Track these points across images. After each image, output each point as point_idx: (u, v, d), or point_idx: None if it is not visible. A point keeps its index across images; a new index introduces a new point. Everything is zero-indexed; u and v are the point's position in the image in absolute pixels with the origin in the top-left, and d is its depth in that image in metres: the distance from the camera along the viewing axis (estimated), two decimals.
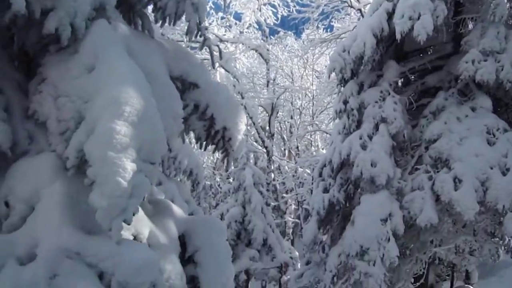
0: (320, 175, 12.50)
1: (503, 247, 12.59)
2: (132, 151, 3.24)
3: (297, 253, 16.72)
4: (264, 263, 15.25)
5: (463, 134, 10.27)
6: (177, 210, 4.87)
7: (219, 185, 24.64)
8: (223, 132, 4.76)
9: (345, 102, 11.70)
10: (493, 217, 10.19)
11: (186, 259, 4.63)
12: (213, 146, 4.97)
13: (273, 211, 19.72)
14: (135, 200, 3.29)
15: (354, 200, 11.77)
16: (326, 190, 12.02)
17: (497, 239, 11.29)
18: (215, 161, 25.08)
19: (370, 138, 11.01)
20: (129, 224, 3.39)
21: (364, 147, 10.93)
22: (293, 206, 21.74)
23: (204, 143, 4.95)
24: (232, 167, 18.86)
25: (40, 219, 3.40)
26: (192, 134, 5.28)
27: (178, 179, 10.45)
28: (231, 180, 19.90)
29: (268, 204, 16.40)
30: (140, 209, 4.17)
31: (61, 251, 3.25)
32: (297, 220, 20.99)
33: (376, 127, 11.06)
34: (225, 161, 4.98)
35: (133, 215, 3.40)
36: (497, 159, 9.80)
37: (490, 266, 18.38)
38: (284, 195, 20.28)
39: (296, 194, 19.73)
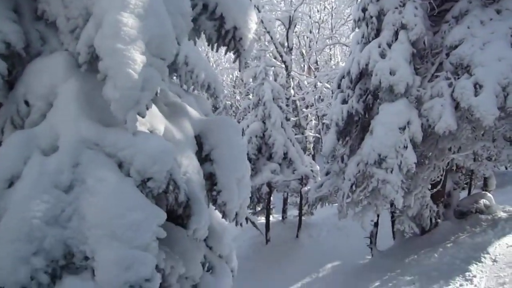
0: (339, 86, 12.46)
1: None
2: (141, 43, 3.30)
3: (317, 167, 17.04)
4: (285, 176, 15.66)
5: (487, 38, 9.93)
6: (193, 111, 5.00)
7: (239, 104, 24.79)
8: (233, 31, 4.74)
9: (364, 10, 11.34)
10: None
11: (204, 158, 4.82)
12: (225, 48, 4.96)
13: (294, 128, 19.90)
14: (147, 93, 3.39)
15: (373, 111, 11.78)
16: (344, 102, 12.03)
17: None
18: (234, 79, 25.03)
19: (389, 46, 10.79)
20: (143, 117, 3.53)
21: (383, 55, 10.74)
22: (313, 122, 21.85)
23: (216, 44, 4.95)
24: (251, 83, 18.85)
25: (59, 114, 3.56)
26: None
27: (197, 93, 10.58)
28: (250, 96, 19.97)
29: (288, 119, 16.52)
30: (155, 107, 4.31)
31: (81, 142, 3.44)
32: (317, 135, 21.19)
33: (396, 35, 10.80)
34: (238, 62, 5.00)
35: (147, 109, 3.53)
36: None
37: (509, 175, 18.63)
38: (304, 110, 20.32)
39: (316, 109, 19.73)
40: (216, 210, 5.16)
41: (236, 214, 4.99)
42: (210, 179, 4.79)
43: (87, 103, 3.59)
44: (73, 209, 3.31)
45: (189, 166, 4.23)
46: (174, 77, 9.18)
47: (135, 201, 3.38)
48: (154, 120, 4.06)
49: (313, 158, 21.37)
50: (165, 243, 4.52)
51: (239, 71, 5.27)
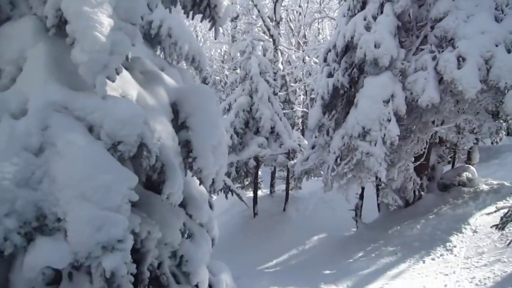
0: (325, 60, 12.44)
1: (505, 131, 12.84)
2: (108, 6, 3.30)
3: (306, 142, 17.11)
4: (272, 150, 15.72)
5: (471, 11, 9.95)
6: (168, 79, 5.01)
7: (228, 79, 24.72)
8: None
9: None
10: (494, 96, 10.20)
11: (179, 125, 4.85)
12: (201, 15, 4.94)
13: (283, 103, 19.85)
14: (116, 57, 3.41)
15: (358, 84, 11.80)
16: (330, 75, 12.03)
17: (501, 121, 11.40)
18: (223, 54, 24.86)
19: (375, 18, 10.76)
20: (113, 82, 3.55)
21: (368, 28, 10.72)
22: (301, 97, 21.87)
23: (191, 12, 4.92)
24: (239, 56, 18.74)
25: (28, 78, 3.58)
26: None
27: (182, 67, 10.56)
28: (238, 71, 19.89)
29: (275, 93, 16.50)
30: (128, 74, 4.33)
31: (50, 105, 3.47)
32: (305, 110, 21.24)
33: (381, 7, 10.76)
34: (214, 30, 4.99)
35: (117, 73, 3.55)
36: (503, 35, 9.58)
37: (494, 150, 18.84)
38: (292, 84, 20.30)
39: (304, 84, 19.73)
40: (196, 178, 5.21)
41: (213, 181, 5.05)
42: (186, 147, 4.83)
43: (56, 67, 3.60)
44: (43, 171, 3.36)
45: (163, 132, 4.27)
46: (158, 50, 9.12)
47: (105, 164, 3.43)
48: (127, 86, 4.08)
49: (302, 133, 21.46)
50: (143, 209, 4.59)
51: (215, 39, 5.24)
